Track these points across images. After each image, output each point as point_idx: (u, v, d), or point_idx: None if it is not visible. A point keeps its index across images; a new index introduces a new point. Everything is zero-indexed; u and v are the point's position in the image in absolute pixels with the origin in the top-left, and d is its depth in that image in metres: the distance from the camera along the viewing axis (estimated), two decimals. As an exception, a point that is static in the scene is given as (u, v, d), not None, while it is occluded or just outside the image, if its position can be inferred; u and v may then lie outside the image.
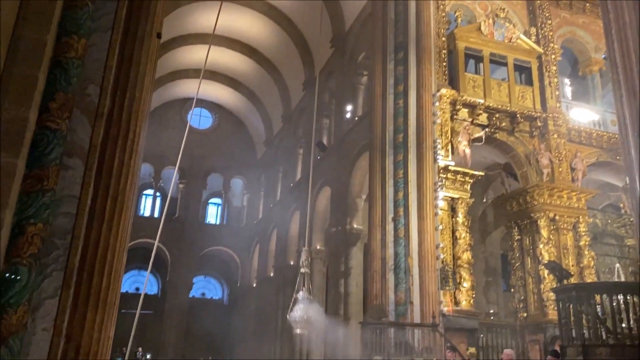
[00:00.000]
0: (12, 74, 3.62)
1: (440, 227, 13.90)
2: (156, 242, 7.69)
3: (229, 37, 27.61)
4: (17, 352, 3.43)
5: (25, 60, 3.71)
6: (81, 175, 3.95)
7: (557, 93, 17.40)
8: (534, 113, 16.48)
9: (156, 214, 34.14)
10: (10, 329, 3.40)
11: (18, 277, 3.44)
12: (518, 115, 16.21)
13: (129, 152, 4.38)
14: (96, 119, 4.11)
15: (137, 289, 33.95)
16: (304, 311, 13.49)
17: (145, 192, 34.31)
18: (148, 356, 27.92)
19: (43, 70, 3.75)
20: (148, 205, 34.64)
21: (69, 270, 3.80)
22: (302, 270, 14.32)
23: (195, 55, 28.22)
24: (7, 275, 3.44)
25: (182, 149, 7.94)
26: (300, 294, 13.99)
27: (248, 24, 26.44)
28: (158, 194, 34.65)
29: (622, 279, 15.62)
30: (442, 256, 13.63)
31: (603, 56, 19.19)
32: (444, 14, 16.51)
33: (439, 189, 14.19)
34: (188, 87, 32.44)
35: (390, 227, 14.19)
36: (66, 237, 3.80)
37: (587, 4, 19.29)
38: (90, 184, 3.97)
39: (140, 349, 27.14)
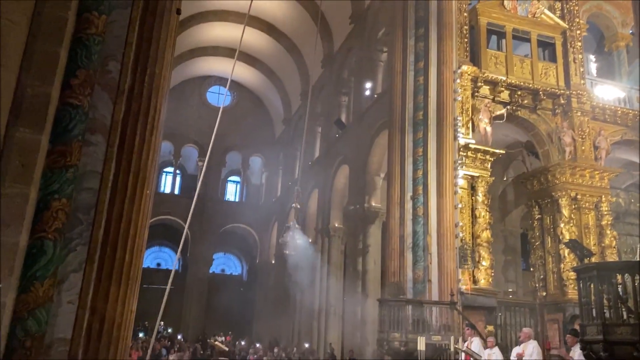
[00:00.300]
0: (34, 51, 3.65)
1: (460, 206, 13.82)
2: (186, 227, 7.80)
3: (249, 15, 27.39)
4: (44, 324, 3.53)
5: (47, 37, 3.73)
6: (103, 151, 3.99)
7: (581, 70, 16.99)
8: (557, 90, 16.15)
9: (176, 191, 34.53)
10: (37, 301, 3.49)
11: (44, 251, 3.52)
12: (541, 93, 15.91)
13: (149, 128, 4.40)
14: (117, 95, 4.13)
15: (159, 264, 34.58)
16: (292, 236, 16.10)
17: (165, 169, 34.65)
18: (169, 330, 28.54)
19: (64, 46, 3.77)
20: (168, 182, 35.02)
21: (92, 245, 3.87)
22: (294, 205, 16.24)
23: (213, 32, 28.17)
24: (34, 249, 3.51)
25: (215, 129, 7.90)
26: (291, 223, 16.61)
27: (266, 1, 26.19)
28: (178, 171, 34.98)
29: (645, 259, 15.41)
30: (461, 235, 13.57)
31: (630, 31, 18.66)
32: (466, -11, 16.15)
33: (458, 167, 14.06)
34: (207, 65, 32.45)
35: (409, 205, 14.14)
36: (90, 212, 3.86)
37: (615, -23, 18.70)
38: (112, 159, 4.01)
39: (162, 323, 27.75)
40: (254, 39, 29.45)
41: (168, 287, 8.04)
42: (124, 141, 4.26)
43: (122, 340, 4.34)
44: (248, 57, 32.01)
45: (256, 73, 33.09)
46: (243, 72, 33.62)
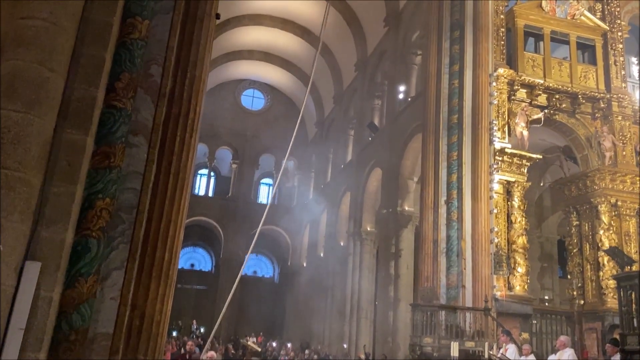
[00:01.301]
0: (81, 55, 3.78)
1: (495, 211, 13.61)
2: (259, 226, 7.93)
3: (282, 18, 27.70)
4: (87, 319, 3.64)
5: (93, 41, 3.86)
6: (145, 152, 4.10)
7: (622, 73, 16.54)
8: (597, 94, 15.76)
9: (210, 193, 35.02)
10: (81, 297, 3.61)
11: (88, 248, 3.64)
12: (580, 96, 15.56)
13: (189, 130, 4.51)
14: (159, 98, 4.24)
15: (192, 265, 35.11)
16: None
17: (199, 171, 35.18)
18: (202, 330, 28.94)
19: (110, 51, 3.90)
20: (203, 184, 35.54)
21: (134, 243, 3.98)
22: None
23: (248, 36, 28.53)
24: (78, 246, 3.63)
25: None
26: None
27: (301, 5, 26.39)
28: (212, 173, 35.47)
29: (689, 269, 14.85)
30: (496, 240, 13.37)
31: (675, 32, 18.05)
32: (503, -9, 15.92)
33: (494, 172, 13.86)
34: (242, 68, 32.87)
35: (443, 209, 14.00)
36: (132, 211, 3.97)
37: (659, -23, 18.12)
38: (153, 161, 4.12)
39: (194, 321, 28.17)
40: (288, 42, 29.71)
41: (235, 285, 8.23)
42: (164, 143, 4.39)
43: (160, 336, 4.45)
44: (282, 61, 32.31)
45: (290, 76, 33.34)
46: (277, 75, 33.95)
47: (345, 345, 21.08)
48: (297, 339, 26.72)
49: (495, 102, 14.46)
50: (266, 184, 37.96)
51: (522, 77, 15.11)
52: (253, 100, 36.41)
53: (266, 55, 31.14)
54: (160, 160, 4.30)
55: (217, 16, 5.15)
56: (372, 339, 21.87)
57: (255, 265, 37.65)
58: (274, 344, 23.75)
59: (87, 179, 3.74)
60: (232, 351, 18.76)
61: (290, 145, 9.45)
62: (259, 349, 17.56)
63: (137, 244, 4.02)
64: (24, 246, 3.25)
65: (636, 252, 14.41)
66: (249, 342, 13.36)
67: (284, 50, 30.80)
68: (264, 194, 37.89)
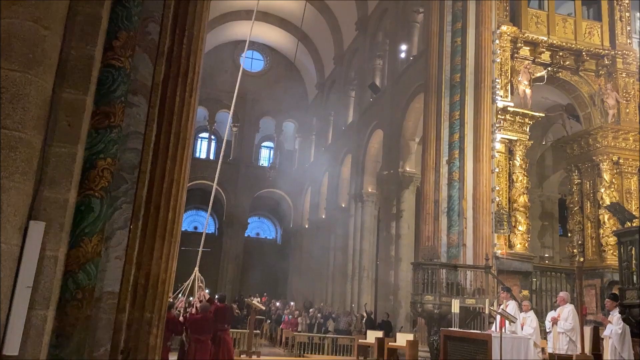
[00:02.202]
0: (77, 13, 3.70)
1: (497, 170, 13.61)
2: (214, 185, 7.99)
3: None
4: (93, 278, 3.69)
5: (89, -2, 3.77)
6: (145, 112, 4.07)
7: (628, 28, 16.23)
8: (601, 50, 15.52)
9: (211, 156, 35.01)
10: (86, 256, 3.64)
11: (91, 208, 3.65)
12: (584, 53, 15.33)
13: (189, 90, 4.47)
14: (157, 57, 4.18)
15: (195, 227, 35.42)
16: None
17: (200, 135, 35.07)
18: (207, 291, 29.39)
19: (106, 8, 3.81)
20: (204, 147, 35.49)
21: (137, 203, 4.00)
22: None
23: (246, -5, 27.91)
24: (82, 206, 3.65)
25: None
26: None
27: (299, -38, 25.76)
28: (213, 136, 35.37)
29: (689, 225, 14.95)
30: (497, 199, 13.42)
31: (683, -14, 17.60)
32: (506, -55, 15.46)
33: (496, 131, 13.79)
34: (240, 30, 32.31)
35: (444, 169, 13.99)
36: (134, 171, 3.97)
37: None
38: (154, 120, 4.10)
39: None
40: (287, 2, 29.11)
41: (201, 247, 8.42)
42: (164, 102, 4.35)
43: (165, 294, 4.53)
44: (281, 21, 31.74)
45: (289, 37, 32.80)
46: (276, 36, 33.40)
47: (352, 305, 21.47)
48: (300, 298, 27.20)
49: (498, 60, 14.27)
50: (267, 147, 37.91)
51: (526, 35, 14.85)
52: (252, 62, 35.96)
53: (265, 15, 30.56)
54: (161, 120, 4.28)
55: (214, -28, 5.03)
56: (373, 298, 22.25)
57: (258, 227, 38.00)
58: (278, 304, 24.20)
59: (88, 139, 3.72)
60: (237, 311, 19.12)
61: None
62: (263, 308, 17.89)
63: (141, 204, 4.04)
64: (27, 206, 3.26)
65: (637, 209, 14.48)
66: (253, 302, 13.59)
67: (282, 9, 30.21)
68: (265, 157, 37.89)
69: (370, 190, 23.58)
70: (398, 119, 20.06)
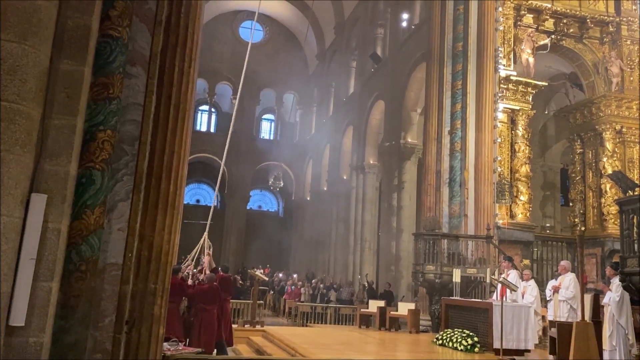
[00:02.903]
0: (72, -19, 3.63)
1: (499, 140, 13.57)
2: (222, 164, 8.05)
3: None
4: (96, 249, 3.71)
5: (84, -34, 3.69)
6: (144, 83, 4.03)
7: (634, -6, 15.95)
8: (606, 17, 15.29)
9: (212, 129, 34.89)
10: (89, 228, 3.66)
11: (93, 180, 3.65)
12: (588, 20, 15.11)
13: (187, 60, 4.40)
14: (155, 26, 4.11)
15: (198, 200, 35.56)
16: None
17: (200, 107, 34.88)
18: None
19: (102, -24, 3.74)
20: (204, 120, 35.34)
21: (138, 175, 3.98)
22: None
23: (244, -36, 27.41)
24: (83, 178, 3.64)
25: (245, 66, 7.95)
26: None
27: None
28: (213, 109, 35.18)
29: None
30: (499, 169, 13.40)
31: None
32: None
33: (498, 101, 13.69)
34: None
35: (446, 140, 13.95)
36: (134, 143, 3.95)
37: None
38: (153, 92, 4.05)
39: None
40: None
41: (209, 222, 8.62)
42: (163, 73, 4.28)
43: (169, 265, 4.55)
44: (280, -10, 31.22)
45: (288, 6, 32.30)
46: (275, 6, 32.85)
47: (359, 277, 21.70)
48: (302, 270, 27.46)
49: (501, 28, 14.06)
50: (268, 119, 37.72)
51: (529, 2, 14.62)
52: (251, 33, 35.45)
53: (263, -15, 30.01)
54: (160, 91, 4.23)
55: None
56: (375, 268, 22.46)
57: (260, 200, 38.11)
58: (281, 275, 24.44)
59: (87, 110, 3.70)
60: (240, 282, 19.32)
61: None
62: (266, 279, 18.09)
63: (142, 176, 4.03)
64: (28, 179, 3.26)
65: (639, 177, 14.46)
66: (256, 273, 13.72)
67: (282, -22, 29.68)
68: (266, 130, 37.75)
69: (371, 161, 23.55)
70: (400, 90, 19.89)
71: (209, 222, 9.47)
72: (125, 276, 3.98)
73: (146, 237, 4.23)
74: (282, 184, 19.94)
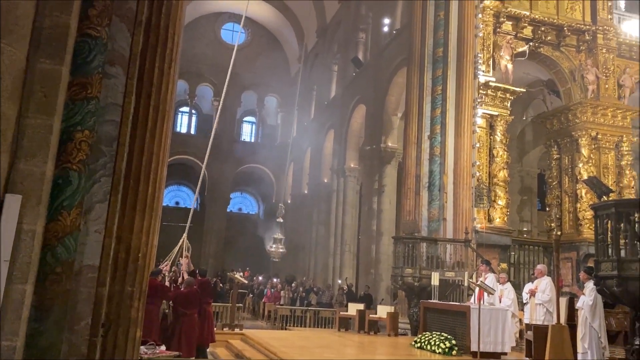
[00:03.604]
0: (50, -21, 3.58)
1: (478, 145, 13.72)
2: (204, 167, 7.99)
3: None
4: (72, 251, 3.66)
5: (62, -35, 3.65)
6: (123, 83, 3.99)
7: (609, 4, 16.32)
8: (582, 26, 15.59)
9: (192, 131, 34.66)
10: (65, 229, 3.60)
11: (69, 181, 3.60)
12: (565, 29, 15.40)
13: (168, 61, 4.37)
14: (135, 26, 4.08)
15: (177, 203, 35.25)
16: (277, 247, 21.78)
17: (181, 109, 34.63)
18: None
19: (81, -25, 3.70)
20: (184, 122, 35.09)
21: (116, 176, 3.94)
22: (278, 220, 21.10)
23: (227, -34, 27.34)
24: (59, 179, 3.59)
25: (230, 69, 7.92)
26: (277, 235, 21.56)
27: None
28: (194, 111, 34.94)
29: (663, 200, 15.30)
30: (478, 174, 13.56)
31: (664, -38, 17.66)
32: None
33: (478, 106, 13.86)
34: (220, 1, 31.70)
35: (426, 145, 14.07)
36: (112, 144, 3.91)
37: None
38: (132, 92, 4.01)
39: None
40: (268, -27, 28.56)
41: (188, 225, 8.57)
42: (142, 74, 4.25)
43: (147, 268, 4.50)
44: (262, -7, 31.18)
45: (271, 9, 32.29)
46: (257, 8, 32.77)
47: (339, 281, 21.69)
48: (283, 273, 27.39)
49: (481, 34, 14.25)
50: (249, 122, 37.60)
51: (508, 9, 14.85)
52: (233, 35, 35.37)
53: (246, -13, 29.96)
54: (140, 92, 4.19)
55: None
56: (355, 271, 22.51)
57: (241, 202, 37.93)
58: (261, 278, 24.33)
59: (65, 110, 3.64)
60: (220, 285, 19.19)
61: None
62: (246, 282, 18.01)
63: (120, 177, 3.98)
64: (2, 179, 3.20)
65: (613, 183, 14.79)
66: (236, 276, 13.64)
67: (265, -19, 29.67)
68: (247, 132, 37.63)
69: (352, 165, 23.63)
70: (381, 94, 20.02)
71: (188, 224, 9.40)
72: (101, 278, 3.93)
73: (124, 239, 4.18)
74: (283, 212, 20.39)
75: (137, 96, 4.14)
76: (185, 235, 9.60)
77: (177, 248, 9.52)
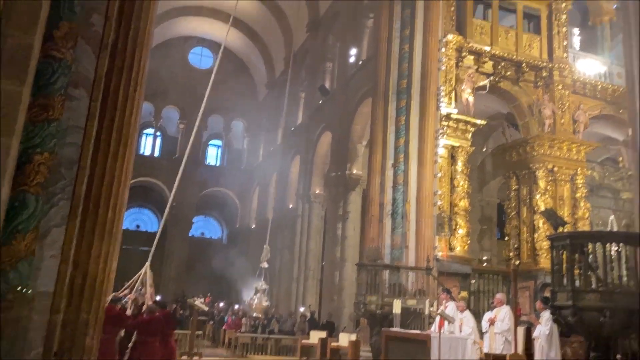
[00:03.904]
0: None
1: (439, 175, 13.99)
2: (172, 193, 7.86)
3: (232, -26, 26.78)
4: (25, 277, 3.55)
5: (28, -15, 3.63)
6: (86, 106, 3.96)
7: (565, 43, 17.07)
8: (540, 63, 16.25)
9: (156, 153, 34.20)
10: (19, 254, 3.50)
11: (26, 205, 3.51)
12: (524, 65, 16.00)
13: (133, 84, 4.37)
14: (101, 49, 4.07)
15: (138, 226, 34.49)
16: (260, 300, 16.44)
17: (145, 131, 34.19)
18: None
19: (47, -4, 3.68)
20: (148, 144, 34.62)
21: (75, 200, 3.87)
22: (262, 265, 16.82)
23: (196, -9, 27.50)
24: (15, 202, 3.50)
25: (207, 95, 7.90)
26: (260, 284, 16.47)
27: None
28: (158, 133, 34.56)
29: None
30: (439, 203, 13.79)
31: (615, 5, 18.70)
32: (454, -43, 15.95)
33: (440, 137, 14.18)
34: (190, 25, 31.81)
35: (389, 173, 14.26)
36: (72, 167, 3.85)
37: (603, -50, 18.61)
38: (95, 115, 3.98)
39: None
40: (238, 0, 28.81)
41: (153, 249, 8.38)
42: (107, 97, 4.23)
43: (103, 295, 4.39)
44: (232, 19, 31.37)
45: (239, 35, 32.49)
46: (225, 33, 32.96)
47: (301, 309, 21.36)
48: (246, 299, 26.93)
49: (444, 67, 14.68)
50: (215, 145, 37.39)
51: (470, 44, 15.36)
52: (201, 59, 35.38)
53: (215, 12, 30.16)
54: (103, 115, 4.16)
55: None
56: (318, 298, 22.37)
57: (203, 226, 37.38)
58: (222, 304, 23.89)
59: (24, 132, 3.58)
60: (180, 311, 18.75)
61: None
62: (206, 309, 17.64)
63: (79, 201, 3.92)
64: (-45, 201, 3.10)
65: (569, 215, 15.26)
66: (196, 302, 13.35)
67: (233, 7, 29.86)
68: (213, 155, 37.37)
69: (317, 191, 23.69)
70: (347, 122, 20.27)
71: (152, 249, 9.14)
72: (56, 305, 3.82)
73: (81, 265, 4.09)
74: (268, 256, 16.78)
75: (100, 119, 4.11)
76: (148, 263, 9.30)
77: (138, 276, 9.21)
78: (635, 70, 8.00)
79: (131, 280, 9.20)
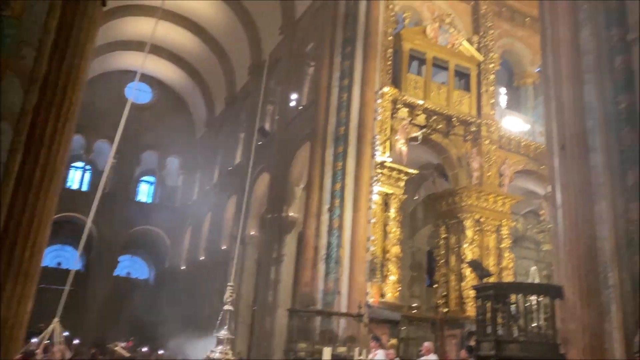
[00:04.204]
0: (-60, 27, 3.41)
1: (373, 221, 14.24)
2: (89, 222, 7.53)
3: (176, 13, 26.88)
4: None
5: (-44, 13, 3.50)
6: (10, 140, 3.80)
7: (492, 101, 18.15)
8: (469, 118, 17.13)
9: (84, 187, 32.86)
10: None
11: None
12: (454, 119, 16.81)
13: (62, 120, 4.24)
14: (30, 83, 3.94)
15: (59, 263, 32.61)
16: (224, 354, 12.86)
17: (73, 164, 32.87)
18: (65, 334, 26.88)
19: (-25, 26, 3.55)
20: (77, 177, 33.25)
21: (-11, 239, 3.65)
22: (225, 307, 13.83)
23: (139, 27, 27.29)
24: None
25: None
26: (222, 333, 13.27)
27: (197, 2, 25.82)
28: (88, 166, 33.31)
29: (537, 282, 16.59)
30: (372, 248, 13.98)
31: (537, 70, 20.17)
32: (392, 14, 16.82)
33: (374, 184, 14.52)
34: (129, 60, 31.31)
35: (325, 217, 14.38)
36: (-11, 203, 3.64)
37: (528, 19, 20.16)
38: (19, 150, 3.82)
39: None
40: (181, 38, 28.85)
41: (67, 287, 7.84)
42: (34, 132, 4.08)
43: (15, 340, 4.11)
44: (173, 56, 31.27)
45: (180, 73, 32.38)
46: (165, 70, 32.77)
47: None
48: (172, 343, 25.78)
49: (379, 117, 15.19)
50: (147, 181, 36.40)
51: (405, 97, 16.02)
52: (139, 94, 34.79)
53: (156, 49, 29.92)
54: (28, 150, 4.00)
55: (103, 3, 4.90)
56: (248, 344, 21.75)
57: (129, 266, 35.85)
58: (145, 349, 22.74)
59: (-63, 164, 3.37)
60: (100, 356, 17.68)
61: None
62: (128, 354, 16.71)
63: (-6, 240, 3.69)
64: None
65: (494, 264, 15.85)
66: (117, 348, 12.63)
67: (176, 45, 29.86)
68: (145, 192, 36.30)
69: (252, 233, 23.40)
70: (285, 165, 20.35)
71: (64, 295, 8.34)
72: (-42, 352, 3.53)
73: (-10, 308, 3.82)
74: (234, 297, 13.11)
75: (24, 154, 3.94)
76: (57, 319, 8.46)
77: (46, 333, 8.37)
78: (553, 131, 8.61)
79: (41, 336, 8.41)
